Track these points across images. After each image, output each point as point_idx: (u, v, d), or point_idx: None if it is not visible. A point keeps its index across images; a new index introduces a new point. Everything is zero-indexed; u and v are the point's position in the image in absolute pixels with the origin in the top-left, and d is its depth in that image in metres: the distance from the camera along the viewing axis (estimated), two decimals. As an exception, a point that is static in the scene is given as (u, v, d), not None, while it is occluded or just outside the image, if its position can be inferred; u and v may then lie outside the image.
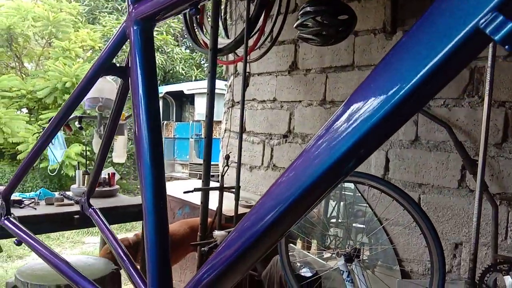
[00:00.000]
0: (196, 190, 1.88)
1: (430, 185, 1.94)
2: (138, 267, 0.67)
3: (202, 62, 12.31)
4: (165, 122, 9.23)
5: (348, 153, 0.33)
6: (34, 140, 6.65)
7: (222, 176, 1.99)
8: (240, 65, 2.85)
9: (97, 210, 0.88)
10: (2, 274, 3.69)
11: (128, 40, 0.58)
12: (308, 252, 2.09)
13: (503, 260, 1.42)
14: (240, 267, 0.43)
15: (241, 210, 2.07)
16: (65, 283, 1.66)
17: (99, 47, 8.92)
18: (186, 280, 2.58)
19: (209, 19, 2.00)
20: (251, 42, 2.13)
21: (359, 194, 2.15)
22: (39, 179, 7.44)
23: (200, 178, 2.98)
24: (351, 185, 2.22)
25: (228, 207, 2.10)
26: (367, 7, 2.14)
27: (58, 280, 1.68)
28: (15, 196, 1.89)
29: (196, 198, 2.35)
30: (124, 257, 0.67)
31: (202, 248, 1.76)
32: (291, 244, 2.07)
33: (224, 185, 1.96)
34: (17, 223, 0.91)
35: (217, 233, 1.80)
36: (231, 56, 2.68)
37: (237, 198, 1.96)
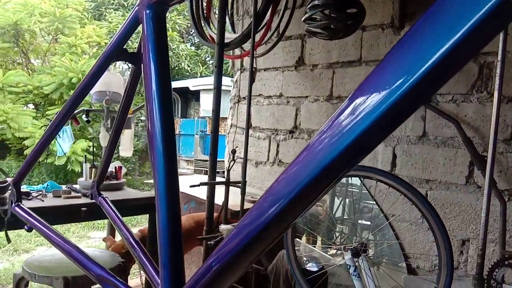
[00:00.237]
0: (202, 184, 1.88)
1: (437, 181, 1.93)
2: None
3: (208, 59, 12.32)
4: (170, 118, 9.22)
5: (351, 147, 0.33)
6: (41, 135, 6.68)
7: (228, 170, 2.00)
8: (246, 60, 2.85)
9: (106, 198, 0.88)
10: (9, 268, 3.72)
11: (141, 24, 0.58)
12: (314, 246, 2.09)
13: (511, 256, 1.41)
14: (242, 260, 0.43)
15: (247, 205, 2.07)
16: (72, 275, 1.67)
17: (105, 43, 8.94)
18: (191, 274, 2.58)
19: (216, 14, 1.99)
20: (257, 37, 2.13)
21: (365, 191, 2.15)
22: (45, 174, 7.48)
23: (205, 174, 2.97)
24: (357, 182, 2.21)
25: (234, 202, 2.11)
26: (375, 2, 2.13)
27: (66, 272, 1.69)
28: (23, 188, 1.90)
29: (201, 193, 2.36)
30: (135, 245, 0.67)
31: (209, 242, 1.76)
32: (297, 239, 2.07)
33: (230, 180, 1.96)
34: (27, 209, 0.91)
35: (223, 227, 1.80)
36: (237, 51, 2.67)
37: (243, 193, 1.96)
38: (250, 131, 2.76)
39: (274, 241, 0.42)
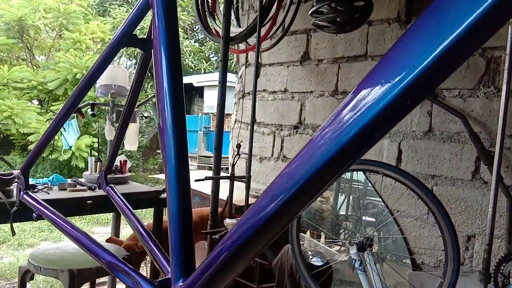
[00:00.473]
0: (207, 178, 1.88)
1: (443, 177, 1.92)
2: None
3: (211, 56, 12.30)
4: (174, 115, 9.23)
5: (353, 141, 0.32)
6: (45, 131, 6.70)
7: (233, 165, 1.99)
8: (251, 55, 2.84)
9: (114, 188, 0.88)
10: (13, 262, 3.74)
11: (151, 9, 0.58)
12: (318, 241, 2.08)
13: (518, 252, 1.40)
14: (244, 254, 0.43)
15: (251, 201, 2.07)
16: (78, 268, 1.67)
17: (109, 39, 8.95)
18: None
19: (221, 8, 1.99)
20: (263, 31, 2.12)
21: (370, 187, 2.14)
22: (49, 169, 7.51)
23: (209, 170, 2.96)
24: (362, 178, 2.20)
25: (239, 197, 2.10)
26: (382, -4, 2.12)
27: (71, 264, 1.70)
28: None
29: (206, 188, 2.36)
30: (145, 234, 0.67)
31: (213, 236, 1.76)
32: (302, 233, 2.06)
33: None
34: (35, 197, 0.92)
35: (228, 221, 1.81)
36: (242, 46, 2.66)
37: (247, 187, 1.96)
38: (255, 127, 2.76)
39: (279, 232, 0.42)
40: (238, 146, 2.00)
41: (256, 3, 2.64)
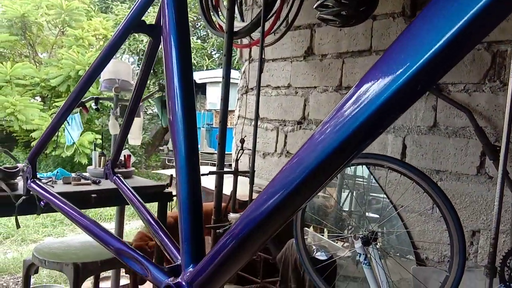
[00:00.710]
0: (211, 173, 1.88)
1: (448, 172, 1.91)
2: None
3: (213, 52, 12.29)
4: (176, 111, 9.23)
5: (354, 135, 0.32)
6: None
7: (237, 160, 1.99)
8: (254, 51, 2.83)
9: (121, 177, 0.88)
10: (17, 257, 3.75)
11: None
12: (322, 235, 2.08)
13: (524, 246, 1.39)
14: (247, 249, 0.44)
15: (255, 196, 2.06)
16: (82, 261, 1.68)
17: (111, 35, 8.93)
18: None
19: (225, 2, 1.98)
20: (266, 26, 2.11)
21: (374, 182, 2.13)
22: (52, 166, 7.53)
23: (212, 166, 2.95)
24: (366, 174, 2.20)
25: (242, 192, 2.10)
26: (387, -10, 2.10)
27: (75, 258, 1.70)
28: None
29: (209, 183, 2.35)
30: (154, 223, 0.67)
31: (217, 230, 1.76)
32: (306, 228, 2.06)
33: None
34: (42, 185, 0.92)
35: (232, 215, 1.81)
36: (245, 41, 2.66)
37: (251, 182, 1.96)
38: (258, 122, 2.75)
39: (282, 225, 0.42)
40: (242, 140, 2.00)
41: (259, -2, 2.63)
